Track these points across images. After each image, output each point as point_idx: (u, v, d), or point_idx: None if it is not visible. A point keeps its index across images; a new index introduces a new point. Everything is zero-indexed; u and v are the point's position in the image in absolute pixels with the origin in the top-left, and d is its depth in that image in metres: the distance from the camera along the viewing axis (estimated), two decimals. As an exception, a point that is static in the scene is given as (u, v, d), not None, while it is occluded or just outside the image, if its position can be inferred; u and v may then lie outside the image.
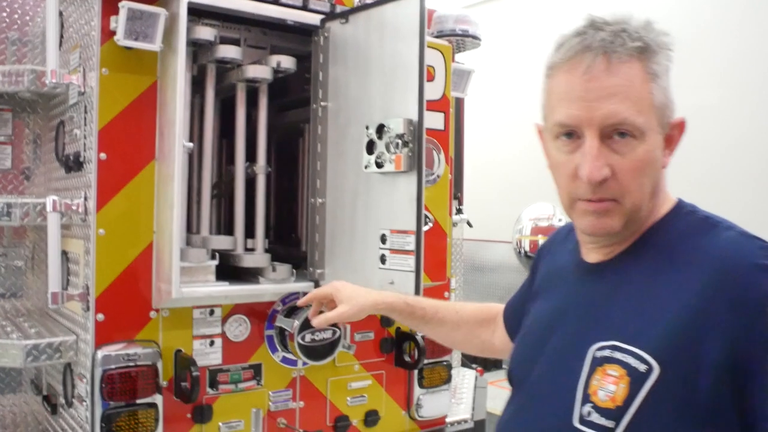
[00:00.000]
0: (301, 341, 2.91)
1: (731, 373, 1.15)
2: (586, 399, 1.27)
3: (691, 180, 6.44)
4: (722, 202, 6.67)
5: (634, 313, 1.28)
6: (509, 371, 1.61)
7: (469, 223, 4.92)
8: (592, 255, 1.43)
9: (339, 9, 3.05)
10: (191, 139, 2.94)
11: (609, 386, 1.24)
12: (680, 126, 1.34)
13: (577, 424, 1.27)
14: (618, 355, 1.25)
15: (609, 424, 1.22)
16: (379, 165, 2.66)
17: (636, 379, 1.21)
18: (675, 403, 1.18)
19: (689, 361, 1.17)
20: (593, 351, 1.30)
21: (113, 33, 2.57)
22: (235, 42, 3.07)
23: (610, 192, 1.28)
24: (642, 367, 1.21)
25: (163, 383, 2.68)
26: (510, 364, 1.61)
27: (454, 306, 2.05)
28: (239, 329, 2.94)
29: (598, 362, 1.28)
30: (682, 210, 1.37)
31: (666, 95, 1.29)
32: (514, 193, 8.05)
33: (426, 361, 3.37)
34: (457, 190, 4.33)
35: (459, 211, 4.55)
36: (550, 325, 1.47)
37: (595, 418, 1.24)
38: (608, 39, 1.25)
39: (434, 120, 3.36)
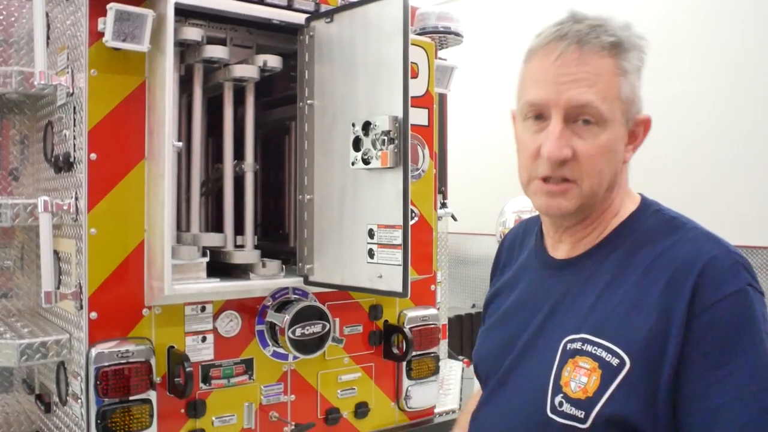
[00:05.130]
0: (291, 335, 2.95)
1: (679, 363, 1.22)
2: (557, 390, 1.33)
3: (668, 169, 6.57)
4: (699, 192, 6.80)
5: (604, 308, 1.33)
6: (476, 365, 1.65)
7: (453, 217, 4.98)
8: (559, 251, 1.49)
9: (323, 8, 3.09)
10: (180, 138, 2.97)
11: (581, 378, 1.29)
12: (645, 123, 1.39)
13: (549, 414, 1.33)
14: (589, 347, 1.30)
15: (579, 414, 1.28)
16: (365, 162, 2.71)
17: (608, 371, 1.26)
18: (640, 396, 1.24)
19: (657, 357, 1.23)
20: (564, 343, 1.35)
21: (101, 34, 2.59)
22: (222, 41, 3.10)
23: (569, 173, 1.33)
24: (615, 361, 1.26)
25: (157, 379, 2.72)
26: (477, 358, 1.64)
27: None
28: (230, 325, 2.98)
29: (570, 354, 1.33)
30: (648, 209, 1.42)
31: (633, 92, 1.35)
32: (497, 186, 8.11)
33: (414, 353, 3.43)
34: (441, 185, 4.38)
35: (443, 205, 4.61)
36: (518, 320, 1.51)
37: (567, 408, 1.30)
38: (584, 31, 1.31)
39: (418, 116, 3.41)
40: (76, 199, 2.70)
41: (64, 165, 2.82)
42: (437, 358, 3.62)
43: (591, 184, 1.34)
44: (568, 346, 1.34)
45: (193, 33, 2.85)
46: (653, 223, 1.39)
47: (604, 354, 1.28)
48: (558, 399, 1.32)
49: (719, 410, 1.19)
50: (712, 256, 1.27)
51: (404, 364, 3.48)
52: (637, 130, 1.40)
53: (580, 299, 1.39)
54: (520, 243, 1.68)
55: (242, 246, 3.08)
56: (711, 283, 1.24)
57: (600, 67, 1.31)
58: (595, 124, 1.31)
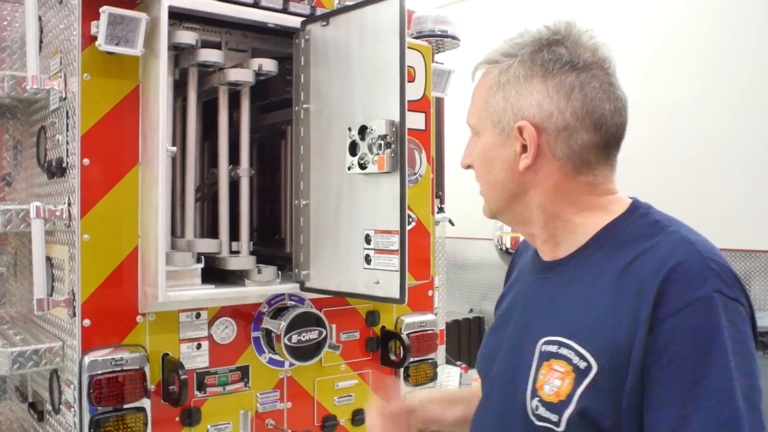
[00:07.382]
0: (287, 342, 2.92)
1: (643, 371, 1.21)
2: (534, 393, 1.34)
3: (668, 173, 6.55)
4: (698, 196, 6.78)
5: (579, 311, 1.33)
6: (477, 368, 1.68)
7: (450, 222, 4.97)
8: (546, 253, 1.49)
9: (319, 11, 3.06)
10: (174, 143, 2.94)
11: (554, 381, 1.30)
12: (519, 129, 1.40)
13: (529, 416, 1.34)
14: (564, 351, 1.30)
15: (553, 417, 1.29)
16: (362, 166, 2.68)
17: (578, 375, 1.27)
18: (607, 401, 1.23)
19: (622, 364, 1.22)
20: (540, 345, 1.36)
21: (94, 38, 2.57)
22: (216, 45, 3.08)
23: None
24: (582, 364, 1.26)
25: (151, 387, 2.69)
26: (477, 361, 1.67)
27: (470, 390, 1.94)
28: (226, 332, 2.95)
29: (545, 357, 1.34)
30: (636, 211, 1.40)
31: (508, 101, 1.41)
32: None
33: (411, 359, 3.40)
34: (438, 189, 4.36)
35: (441, 210, 4.59)
36: (510, 323, 1.53)
37: (542, 411, 1.31)
38: (488, 54, 1.48)
39: (415, 120, 3.39)
40: (69, 204, 2.67)
41: (56, 170, 2.79)
42: (435, 364, 3.59)
43: (483, 190, 1.51)
44: (544, 348, 1.35)
45: (187, 36, 2.83)
46: (637, 225, 1.37)
47: (574, 357, 1.28)
48: (534, 402, 1.33)
49: (678, 422, 1.17)
50: (680, 261, 1.23)
51: (402, 370, 3.45)
52: (523, 138, 1.40)
53: (559, 302, 1.39)
54: (525, 251, 1.68)
55: (237, 252, 3.05)
56: (675, 290, 1.21)
57: (479, 85, 1.49)
58: (475, 135, 1.50)
